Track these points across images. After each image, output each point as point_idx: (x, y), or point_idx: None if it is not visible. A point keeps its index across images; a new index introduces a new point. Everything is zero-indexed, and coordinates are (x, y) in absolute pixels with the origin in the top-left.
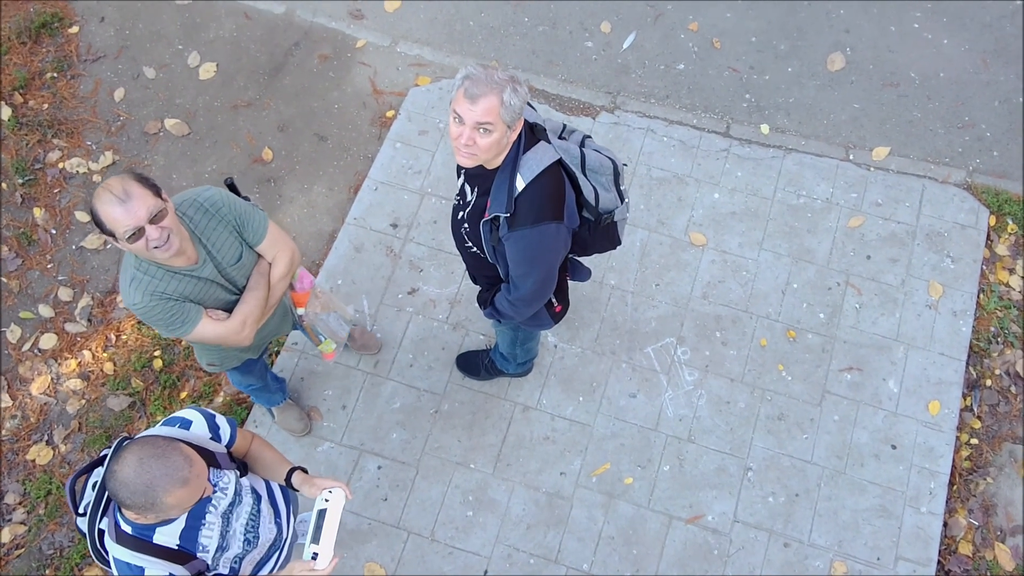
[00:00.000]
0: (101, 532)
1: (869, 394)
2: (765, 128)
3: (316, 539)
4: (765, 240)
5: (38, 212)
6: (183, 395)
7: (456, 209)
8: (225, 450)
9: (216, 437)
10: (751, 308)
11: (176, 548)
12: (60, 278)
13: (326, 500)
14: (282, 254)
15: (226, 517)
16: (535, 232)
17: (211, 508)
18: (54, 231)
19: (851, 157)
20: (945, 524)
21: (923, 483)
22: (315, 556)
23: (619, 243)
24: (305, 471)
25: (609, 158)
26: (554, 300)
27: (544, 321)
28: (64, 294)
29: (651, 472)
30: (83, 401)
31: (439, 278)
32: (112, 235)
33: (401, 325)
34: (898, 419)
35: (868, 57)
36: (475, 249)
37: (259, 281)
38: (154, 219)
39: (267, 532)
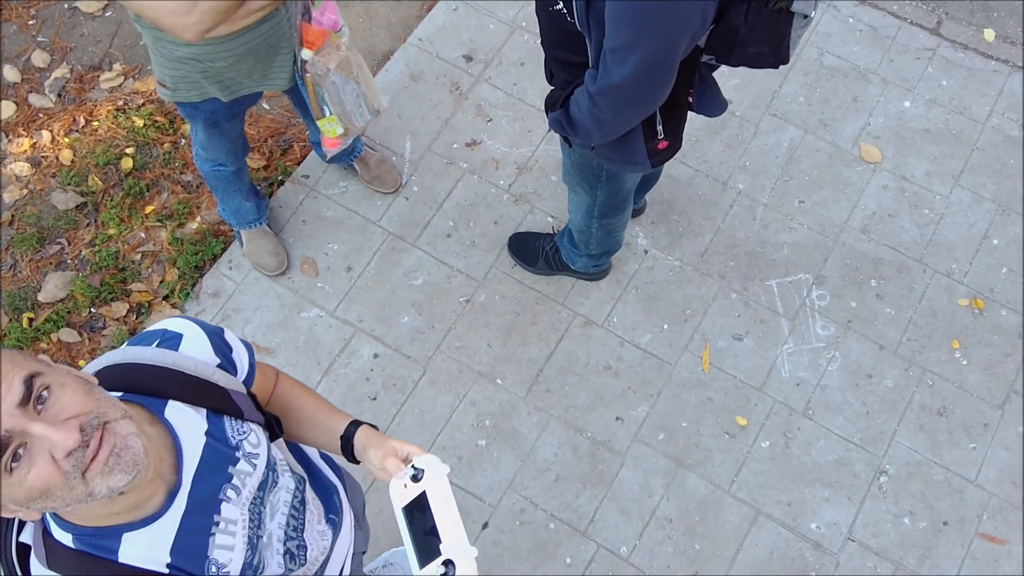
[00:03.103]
0: (25, 550)
1: None
2: (989, 34)
3: (425, 547)
4: (964, 174)
5: None
6: (148, 209)
7: None
8: (244, 388)
9: (228, 364)
10: (927, 258)
11: (167, 573)
12: (40, 39)
13: (414, 478)
14: None
15: (256, 509)
16: None
17: (229, 493)
18: None
19: None
20: None
21: None
22: (447, 566)
23: (785, 59)
24: (374, 427)
25: None
26: (660, 126)
27: (637, 156)
28: (39, 59)
29: (743, 444)
30: (25, 191)
31: (510, 135)
32: None
33: (448, 182)
34: None
35: None
36: (561, 6)
37: None
38: None
39: (317, 539)
